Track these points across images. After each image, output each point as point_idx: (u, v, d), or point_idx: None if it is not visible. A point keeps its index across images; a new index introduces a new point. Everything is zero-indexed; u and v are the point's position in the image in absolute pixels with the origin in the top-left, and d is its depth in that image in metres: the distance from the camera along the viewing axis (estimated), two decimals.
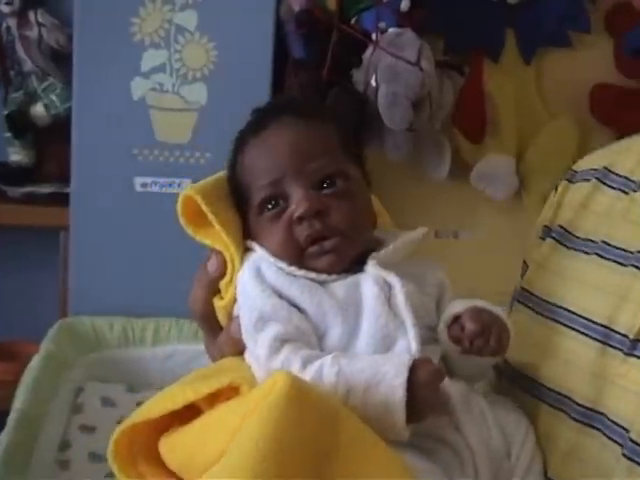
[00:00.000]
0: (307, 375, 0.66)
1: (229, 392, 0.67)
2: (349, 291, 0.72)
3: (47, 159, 2.15)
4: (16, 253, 2.20)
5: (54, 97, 2.09)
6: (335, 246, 0.72)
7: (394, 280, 0.73)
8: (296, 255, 0.72)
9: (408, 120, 1.81)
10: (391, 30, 1.82)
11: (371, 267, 0.73)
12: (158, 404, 0.69)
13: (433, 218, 2.10)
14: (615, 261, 0.81)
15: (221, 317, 0.78)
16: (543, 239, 0.93)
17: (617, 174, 0.88)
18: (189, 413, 0.69)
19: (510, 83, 2.03)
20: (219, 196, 0.77)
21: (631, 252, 0.80)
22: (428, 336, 0.75)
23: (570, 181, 0.94)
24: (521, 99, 2.03)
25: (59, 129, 2.04)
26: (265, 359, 0.68)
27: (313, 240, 0.72)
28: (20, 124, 2.09)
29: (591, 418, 0.77)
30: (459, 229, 2.12)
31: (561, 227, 0.90)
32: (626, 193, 0.85)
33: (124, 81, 1.85)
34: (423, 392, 0.65)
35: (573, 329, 0.80)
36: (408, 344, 0.70)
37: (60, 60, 2.10)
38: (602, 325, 0.78)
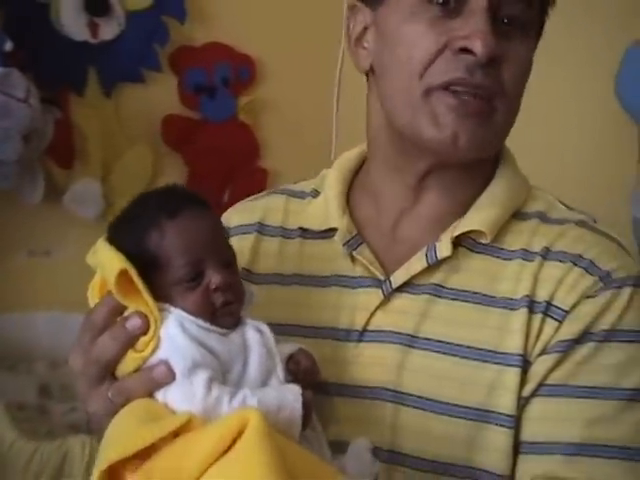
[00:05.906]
0: (235, 404, 0.91)
1: (180, 429, 0.86)
2: (240, 339, 0.97)
3: None
4: None
5: None
6: (237, 309, 0.98)
7: (264, 327, 1.00)
8: (211, 315, 0.96)
9: (19, 152, 1.98)
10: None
11: (249, 320, 0.99)
12: (130, 442, 0.84)
13: (27, 239, 2.28)
14: (314, 285, 1.13)
15: (131, 366, 0.93)
16: None
17: (272, 226, 1.19)
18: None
19: (94, 115, 2.28)
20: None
21: (326, 276, 1.13)
22: None
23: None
24: (104, 128, 2.29)
25: None
26: (202, 397, 0.90)
27: (224, 304, 0.96)
28: None
29: (343, 392, 1.08)
30: (52, 248, 2.32)
31: (243, 269, 1.16)
32: (290, 238, 1.17)
33: None
34: (308, 409, 0.95)
35: (307, 337, 1.10)
36: (277, 374, 0.98)
37: None
38: (328, 327, 1.11)
